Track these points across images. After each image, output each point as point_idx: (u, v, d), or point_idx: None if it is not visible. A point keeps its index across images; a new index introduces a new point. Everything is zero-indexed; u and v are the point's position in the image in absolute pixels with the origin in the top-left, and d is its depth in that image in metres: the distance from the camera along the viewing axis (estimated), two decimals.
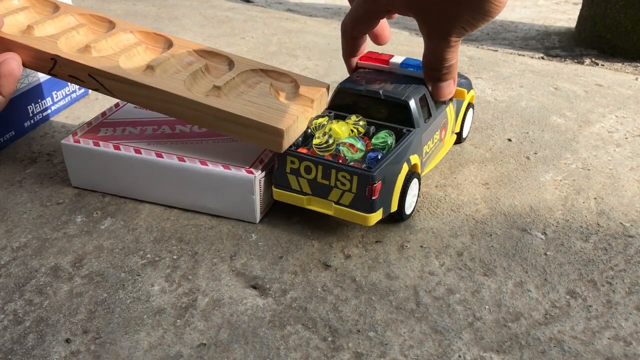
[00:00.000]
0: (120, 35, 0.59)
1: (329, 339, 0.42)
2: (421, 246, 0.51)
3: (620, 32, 1.07)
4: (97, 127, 0.58)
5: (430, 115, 0.55)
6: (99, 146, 0.55)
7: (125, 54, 0.56)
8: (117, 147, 0.55)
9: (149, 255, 0.50)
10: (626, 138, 0.71)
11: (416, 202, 0.55)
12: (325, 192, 0.49)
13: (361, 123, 0.53)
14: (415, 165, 0.52)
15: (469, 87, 0.64)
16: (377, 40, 0.59)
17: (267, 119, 0.50)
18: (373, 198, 0.47)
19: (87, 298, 0.45)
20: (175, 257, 0.50)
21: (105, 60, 0.54)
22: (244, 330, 0.43)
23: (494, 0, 0.44)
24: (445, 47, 0.49)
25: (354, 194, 0.48)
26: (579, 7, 1.23)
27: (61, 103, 0.74)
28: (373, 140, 0.51)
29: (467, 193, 0.59)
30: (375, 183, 0.47)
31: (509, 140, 0.70)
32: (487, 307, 0.45)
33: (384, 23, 0.58)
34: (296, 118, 0.51)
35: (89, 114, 0.73)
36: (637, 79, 0.92)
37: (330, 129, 0.51)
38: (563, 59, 1.09)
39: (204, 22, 1.11)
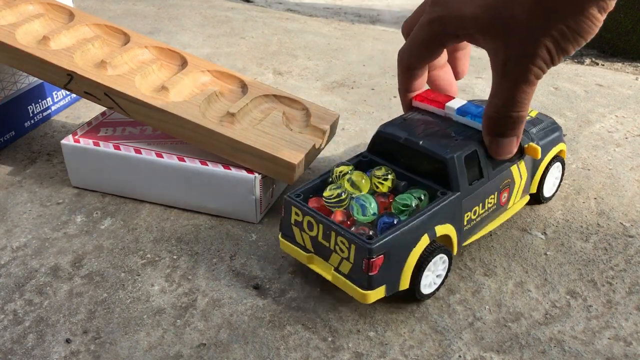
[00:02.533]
0: (135, 50, 0.59)
1: (329, 339, 0.42)
2: None
3: (621, 32, 1.07)
4: (97, 127, 0.58)
5: (481, 175, 0.45)
6: (99, 146, 0.55)
7: (141, 72, 0.56)
8: (117, 147, 0.55)
9: (148, 255, 0.50)
10: (626, 138, 0.71)
11: (442, 282, 0.45)
12: (326, 254, 0.43)
13: (389, 177, 0.45)
14: (445, 237, 0.44)
15: (557, 139, 0.53)
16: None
17: (280, 152, 0.51)
18: (371, 274, 0.40)
19: (87, 298, 0.45)
20: (175, 257, 0.50)
21: (122, 80, 0.55)
22: (244, 330, 0.43)
23: (591, 17, 0.36)
24: (523, 85, 0.39)
25: (352, 265, 0.41)
26: None
27: (61, 103, 0.74)
28: (395, 200, 0.44)
29: None
30: (374, 258, 0.39)
31: None
32: (487, 307, 0.45)
33: (460, 53, 0.50)
34: (307, 151, 0.52)
35: (89, 113, 0.73)
36: (637, 78, 0.92)
37: (349, 180, 0.45)
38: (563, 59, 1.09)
39: (204, 22, 1.11)
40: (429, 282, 0.44)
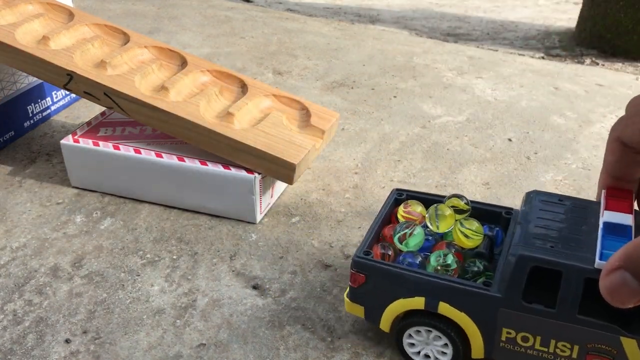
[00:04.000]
0: (135, 50, 0.59)
1: (328, 339, 0.42)
2: None
3: (621, 31, 1.07)
4: (97, 127, 0.58)
5: (552, 305, 0.34)
6: (99, 146, 0.55)
7: (140, 72, 0.56)
8: (116, 147, 0.55)
9: (148, 255, 0.50)
10: None
11: None
12: None
13: (479, 235, 0.39)
14: (461, 329, 0.37)
15: None
16: None
17: (280, 153, 0.51)
18: (350, 284, 0.39)
19: (87, 298, 0.45)
20: (174, 257, 0.50)
21: (122, 80, 0.55)
22: (244, 330, 0.43)
23: None
24: None
25: None
26: (580, 6, 1.23)
27: (61, 103, 0.74)
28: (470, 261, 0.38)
29: (468, 193, 0.59)
30: (354, 270, 0.38)
31: (510, 140, 0.70)
32: None
33: None
34: (307, 151, 0.52)
35: (89, 113, 0.73)
36: (637, 78, 0.92)
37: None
38: (563, 59, 1.09)
39: (203, 21, 1.11)
40: (419, 351, 0.39)
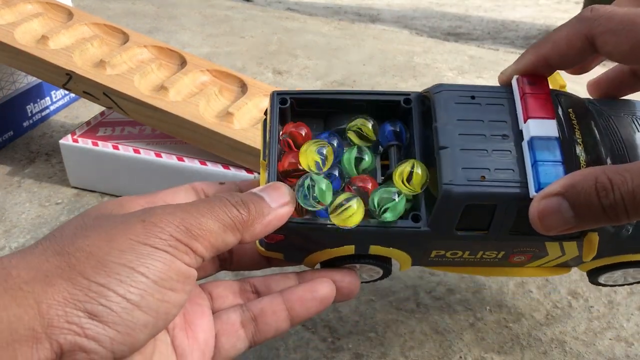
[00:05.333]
0: (134, 50, 0.59)
1: (329, 339, 0.42)
2: None
3: None
4: (96, 126, 0.58)
5: (486, 230, 0.33)
6: (98, 146, 0.55)
7: (140, 72, 0.56)
8: (116, 147, 0.55)
9: None
10: None
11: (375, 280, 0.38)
12: None
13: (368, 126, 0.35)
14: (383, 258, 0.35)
15: None
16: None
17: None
18: (266, 240, 0.34)
19: None
20: None
21: (121, 79, 0.54)
22: None
23: None
24: None
25: None
26: (580, 6, 1.22)
27: (60, 103, 0.73)
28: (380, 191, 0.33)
29: None
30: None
31: None
32: (488, 307, 0.45)
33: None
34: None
35: (88, 113, 0.73)
36: None
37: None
38: None
39: (203, 21, 1.11)
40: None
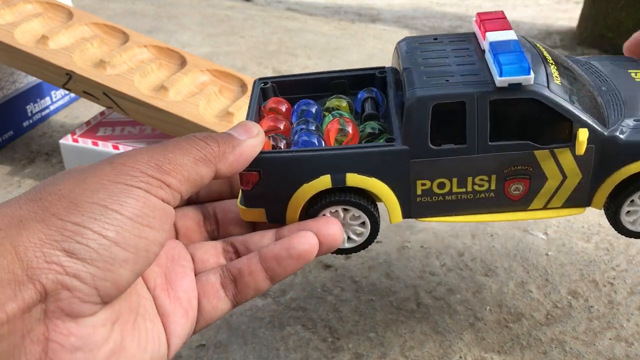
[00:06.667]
0: (134, 50, 0.59)
1: (329, 339, 0.42)
2: (422, 246, 0.51)
3: (622, 31, 1.06)
4: (96, 126, 0.58)
5: (463, 141, 0.32)
6: (98, 146, 0.55)
7: (140, 71, 0.56)
8: (116, 147, 0.55)
9: None
10: None
11: (362, 245, 0.35)
12: None
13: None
14: (375, 194, 0.34)
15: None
16: None
17: None
18: (243, 188, 0.34)
19: None
20: None
21: (121, 79, 0.54)
22: (243, 331, 0.42)
23: None
24: None
25: None
26: (581, 6, 1.23)
27: (60, 102, 0.73)
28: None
29: None
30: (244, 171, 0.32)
31: None
32: (488, 307, 0.45)
33: None
34: None
35: (88, 113, 0.73)
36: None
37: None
38: None
39: (203, 21, 1.11)
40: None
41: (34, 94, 0.69)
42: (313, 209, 0.34)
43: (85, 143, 0.55)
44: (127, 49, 0.59)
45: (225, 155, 0.29)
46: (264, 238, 0.33)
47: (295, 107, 0.37)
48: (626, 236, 0.35)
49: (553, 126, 0.32)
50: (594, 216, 0.55)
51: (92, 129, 0.58)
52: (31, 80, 0.67)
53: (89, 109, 0.74)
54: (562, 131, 0.32)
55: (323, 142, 0.34)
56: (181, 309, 0.30)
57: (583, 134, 0.31)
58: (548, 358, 0.40)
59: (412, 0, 1.47)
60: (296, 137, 0.34)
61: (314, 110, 0.36)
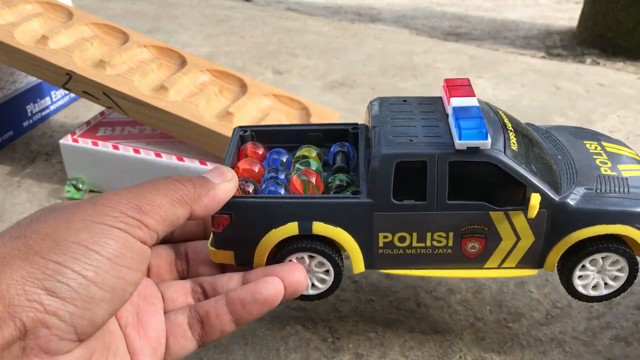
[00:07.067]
0: (134, 50, 0.59)
1: (329, 339, 0.42)
2: None
3: (622, 31, 1.06)
4: (96, 126, 0.58)
5: (423, 198, 0.34)
6: (98, 146, 0.55)
7: (140, 71, 0.56)
8: (116, 147, 0.55)
9: None
10: (628, 138, 0.70)
11: (327, 292, 0.37)
12: None
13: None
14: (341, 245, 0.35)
15: (625, 215, 0.35)
16: None
17: None
18: (214, 230, 0.35)
19: None
20: None
21: (121, 79, 0.54)
22: (244, 331, 0.42)
23: None
24: None
25: None
26: (581, 6, 1.22)
27: (60, 102, 0.73)
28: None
29: None
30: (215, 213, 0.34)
31: None
32: (488, 307, 0.45)
33: None
34: None
35: (88, 113, 0.73)
36: (638, 78, 0.91)
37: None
38: (564, 59, 1.09)
39: (203, 21, 1.11)
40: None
41: (34, 94, 0.69)
42: (280, 253, 0.35)
43: (85, 143, 0.55)
44: (127, 49, 0.59)
45: (200, 198, 0.31)
46: (231, 281, 0.34)
47: (267, 155, 0.39)
48: (579, 300, 0.37)
49: (508, 189, 0.34)
50: None
51: (92, 129, 0.58)
52: (31, 80, 0.67)
53: (89, 109, 0.74)
54: (516, 195, 0.34)
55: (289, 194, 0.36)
56: (150, 347, 0.31)
57: (535, 199, 0.33)
58: (548, 358, 0.40)
59: (412, 0, 1.47)
60: (264, 185, 0.36)
61: (284, 159, 0.39)
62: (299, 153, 0.40)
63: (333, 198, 0.34)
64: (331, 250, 0.35)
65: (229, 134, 0.51)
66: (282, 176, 0.37)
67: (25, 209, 0.56)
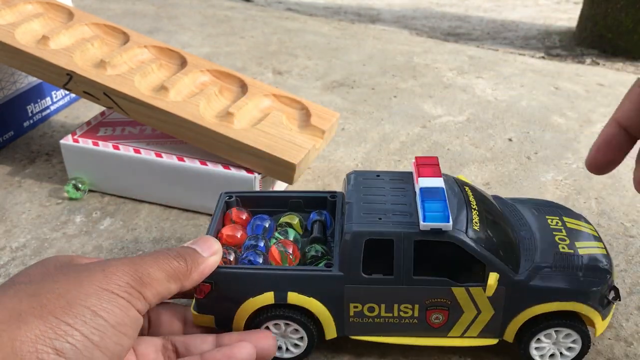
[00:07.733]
0: (134, 50, 0.59)
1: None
2: None
3: (622, 31, 1.07)
4: (97, 126, 0.58)
5: (390, 272, 0.37)
6: (98, 146, 0.55)
7: (140, 72, 0.56)
8: (116, 147, 0.55)
9: None
10: None
11: (302, 355, 0.39)
12: None
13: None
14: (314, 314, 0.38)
15: (575, 293, 0.37)
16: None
17: (280, 152, 0.51)
18: (197, 296, 0.38)
19: None
20: None
21: (121, 80, 0.54)
22: None
23: None
24: None
25: None
26: (580, 6, 1.23)
27: (60, 103, 0.73)
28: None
29: None
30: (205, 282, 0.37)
31: (510, 140, 0.70)
32: None
33: None
34: (307, 151, 0.52)
35: (88, 113, 0.73)
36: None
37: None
38: (564, 59, 1.09)
39: (203, 21, 1.11)
40: (281, 345, 0.39)
41: (35, 94, 0.69)
42: (258, 319, 0.38)
43: (86, 143, 0.55)
44: (127, 50, 0.59)
45: (191, 274, 0.34)
46: (205, 342, 0.36)
47: (252, 220, 0.42)
48: None
49: (469, 267, 0.36)
50: (594, 216, 0.55)
51: (92, 129, 0.58)
52: (32, 80, 0.67)
53: (89, 109, 0.74)
54: (476, 272, 0.36)
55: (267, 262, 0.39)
56: None
57: (493, 278, 0.35)
58: None
59: (412, 0, 1.47)
60: (244, 254, 0.39)
61: (266, 225, 0.42)
62: (282, 219, 0.43)
63: (307, 270, 0.37)
64: (306, 318, 0.38)
65: (229, 134, 0.52)
66: (262, 244, 0.40)
67: (25, 209, 0.56)
